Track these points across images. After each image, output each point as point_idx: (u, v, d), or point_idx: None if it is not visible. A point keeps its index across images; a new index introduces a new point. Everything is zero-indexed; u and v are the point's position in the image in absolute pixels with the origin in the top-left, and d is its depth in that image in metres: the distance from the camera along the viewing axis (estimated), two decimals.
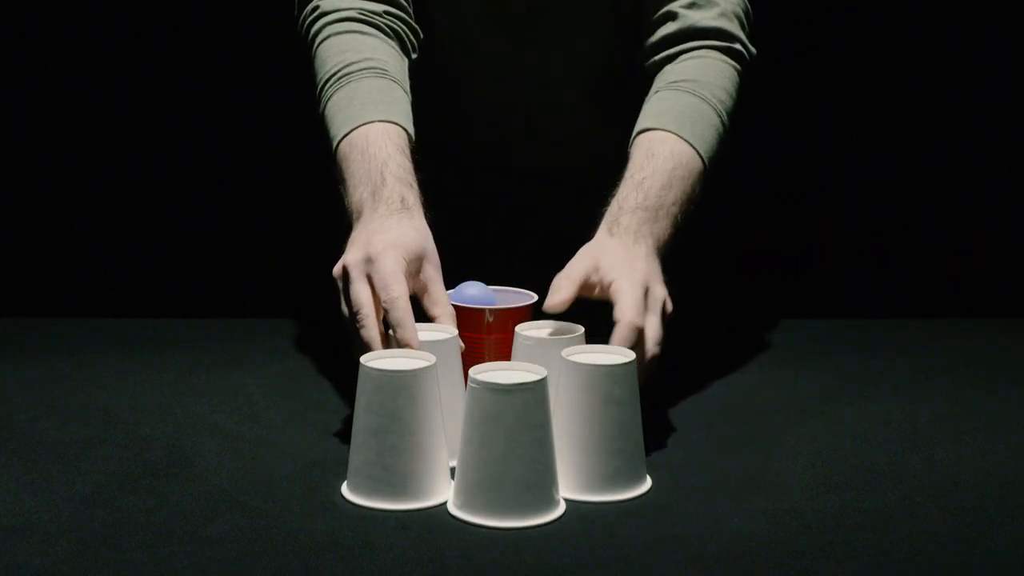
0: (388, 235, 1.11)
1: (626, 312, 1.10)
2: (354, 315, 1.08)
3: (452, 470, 0.99)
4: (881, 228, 2.11)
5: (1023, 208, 2.08)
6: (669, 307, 1.17)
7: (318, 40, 1.32)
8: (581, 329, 1.11)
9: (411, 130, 1.25)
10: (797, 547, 0.91)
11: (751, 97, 1.40)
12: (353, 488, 0.98)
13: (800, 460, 1.08)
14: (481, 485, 0.94)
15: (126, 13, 2.01)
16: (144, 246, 2.09)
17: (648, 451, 1.05)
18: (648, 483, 1.02)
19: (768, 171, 2.11)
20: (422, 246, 1.13)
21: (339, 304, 1.13)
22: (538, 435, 0.94)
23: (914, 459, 1.09)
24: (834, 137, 2.09)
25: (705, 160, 1.29)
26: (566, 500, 0.98)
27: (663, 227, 1.23)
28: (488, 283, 1.20)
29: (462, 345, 1.10)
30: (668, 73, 1.36)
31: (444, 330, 1.09)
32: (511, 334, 1.11)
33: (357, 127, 1.22)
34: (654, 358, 1.12)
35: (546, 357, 1.04)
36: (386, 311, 1.06)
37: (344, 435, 1.02)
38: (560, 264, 1.16)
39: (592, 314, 1.32)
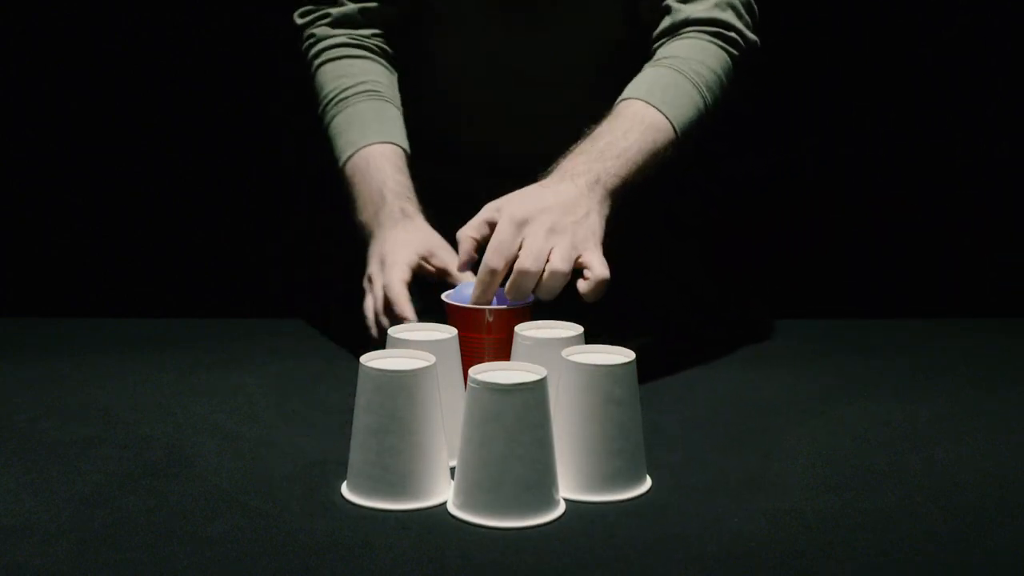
0: (396, 241, 1.30)
1: (486, 251, 1.15)
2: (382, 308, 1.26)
3: (452, 470, 0.99)
4: (881, 228, 2.11)
5: (1023, 208, 2.08)
6: (573, 247, 1.16)
7: (316, 63, 1.48)
8: (581, 329, 1.11)
9: (405, 144, 1.42)
10: (797, 547, 0.91)
11: (752, 95, 1.40)
12: (353, 488, 0.99)
13: (800, 460, 1.08)
14: (481, 485, 0.94)
15: (126, 13, 2.01)
16: (144, 246, 2.09)
17: (648, 451, 1.05)
18: (648, 483, 1.02)
19: (768, 171, 2.11)
20: (426, 241, 1.30)
21: (364, 303, 1.30)
22: (538, 435, 0.94)
23: (914, 459, 1.09)
24: (834, 137, 2.09)
25: (675, 126, 1.30)
26: (566, 500, 0.98)
27: (609, 164, 1.24)
28: None
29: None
30: (655, 55, 1.39)
31: (444, 330, 1.09)
32: (510, 334, 1.11)
33: (357, 151, 1.39)
34: (526, 273, 1.13)
35: (546, 357, 1.04)
36: (385, 294, 1.25)
37: (344, 435, 1.02)
38: None
39: (592, 314, 1.32)
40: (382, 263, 1.29)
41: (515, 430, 0.93)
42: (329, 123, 1.44)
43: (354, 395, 0.98)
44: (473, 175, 1.53)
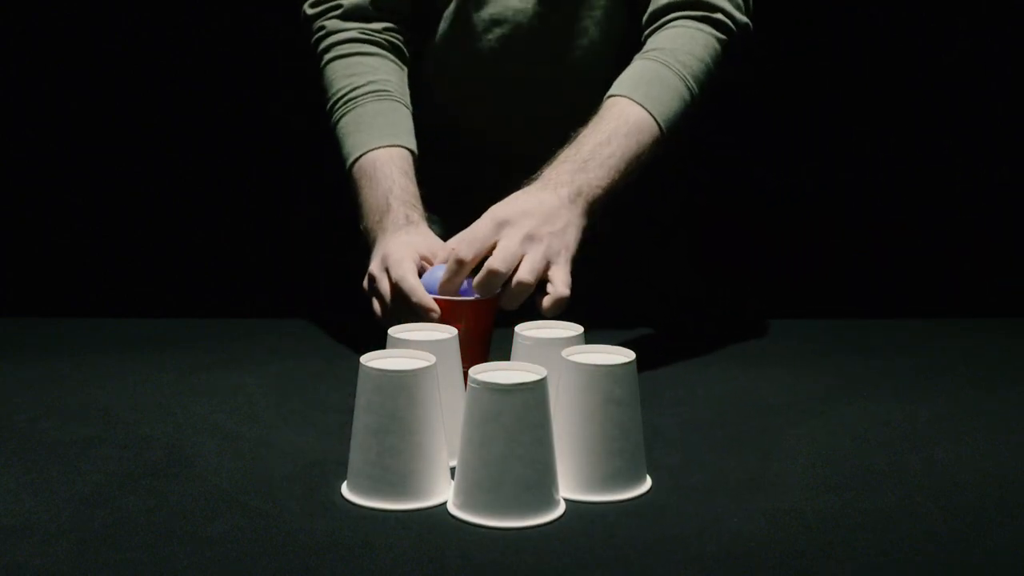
0: (399, 243, 1.28)
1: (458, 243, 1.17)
2: (385, 305, 1.25)
3: (452, 470, 0.99)
4: (881, 228, 2.11)
5: (1023, 208, 2.08)
6: (545, 258, 1.18)
7: (326, 58, 1.47)
8: (581, 329, 1.12)
9: (413, 145, 1.42)
10: (797, 547, 0.91)
11: (753, 95, 1.40)
12: (353, 488, 0.98)
13: (800, 460, 1.08)
14: (481, 485, 0.94)
15: (126, 13, 2.01)
16: (144, 246, 2.09)
17: (648, 451, 1.05)
18: (648, 483, 1.02)
19: (768, 171, 2.11)
20: (429, 244, 1.28)
21: (371, 303, 1.28)
22: (538, 435, 0.94)
23: (914, 459, 1.09)
24: (834, 137, 2.09)
25: (660, 123, 1.32)
26: (566, 500, 0.98)
27: (594, 176, 1.26)
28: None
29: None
30: (643, 46, 1.40)
31: (444, 330, 1.09)
32: (478, 325, 1.14)
33: (364, 153, 1.39)
34: (495, 273, 1.15)
35: (546, 357, 1.04)
36: (398, 287, 1.21)
37: (344, 435, 1.02)
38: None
39: (592, 314, 1.32)
40: (384, 262, 1.27)
41: (515, 430, 0.93)
42: (337, 122, 1.43)
43: (354, 395, 0.98)
44: (477, 168, 1.53)
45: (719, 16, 1.38)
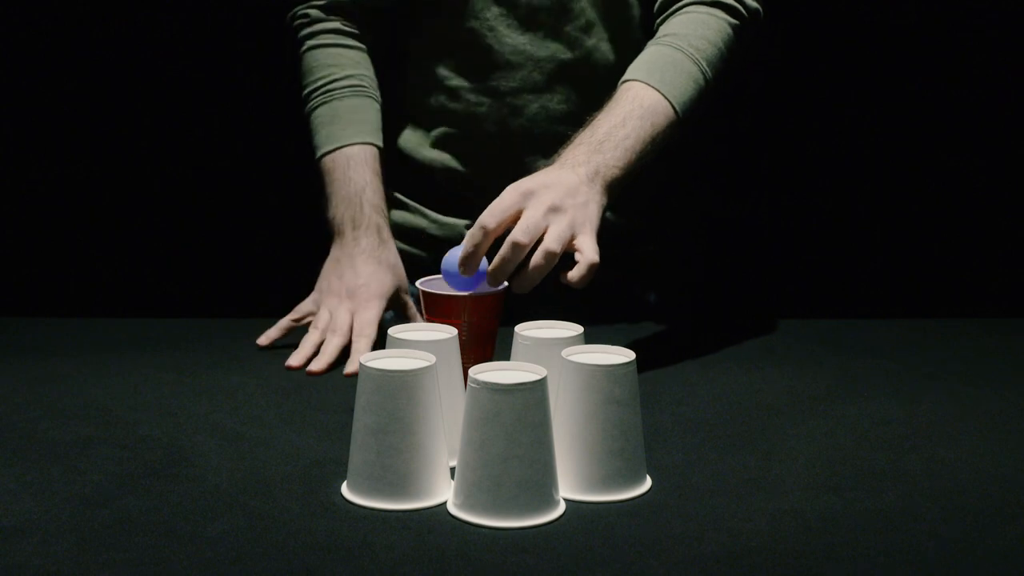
0: (370, 286, 1.39)
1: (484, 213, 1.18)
2: (330, 331, 1.37)
3: (452, 470, 0.99)
4: (881, 228, 2.11)
5: (1023, 208, 2.08)
6: (571, 227, 1.19)
7: (309, 44, 1.52)
8: (581, 329, 1.11)
9: (381, 142, 1.49)
10: (797, 547, 0.91)
11: (754, 95, 1.40)
12: (353, 488, 0.98)
13: (800, 460, 1.08)
14: (481, 485, 0.94)
15: (125, 13, 2.01)
16: (144, 246, 2.09)
17: (648, 451, 1.05)
18: (648, 483, 1.02)
19: (768, 171, 2.11)
20: (396, 284, 1.42)
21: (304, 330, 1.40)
22: (538, 435, 0.94)
23: (914, 459, 1.09)
24: (834, 137, 2.09)
25: (676, 106, 1.33)
26: (566, 500, 0.98)
27: (611, 156, 1.27)
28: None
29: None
30: (656, 33, 1.41)
31: (444, 330, 1.09)
32: (485, 321, 1.15)
33: (339, 148, 1.45)
34: (516, 245, 1.16)
35: (546, 357, 1.04)
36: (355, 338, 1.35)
37: (344, 435, 1.02)
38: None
39: (592, 314, 1.32)
40: (352, 301, 1.38)
41: (515, 430, 0.93)
42: (314, 109, 1.49)
43: (354, 395, 0.98)
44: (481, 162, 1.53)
45: (731, 1, 1.40)
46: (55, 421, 1.17)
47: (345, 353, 1.35)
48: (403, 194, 1.57)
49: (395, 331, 1.08)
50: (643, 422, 1.02)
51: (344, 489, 1.00)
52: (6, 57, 2.00)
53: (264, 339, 1.41)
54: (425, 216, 1.55)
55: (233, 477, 1.03)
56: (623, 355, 1.02)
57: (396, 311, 1.45)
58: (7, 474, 1.03)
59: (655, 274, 1.60)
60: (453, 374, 1.06)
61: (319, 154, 1.47)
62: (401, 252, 1.47)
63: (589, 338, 1.10)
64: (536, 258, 1.17)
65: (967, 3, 2.01)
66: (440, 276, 1.21)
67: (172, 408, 1.21)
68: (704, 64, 1.36)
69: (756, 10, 1.43)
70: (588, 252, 1.18)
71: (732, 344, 1.46)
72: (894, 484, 1.03)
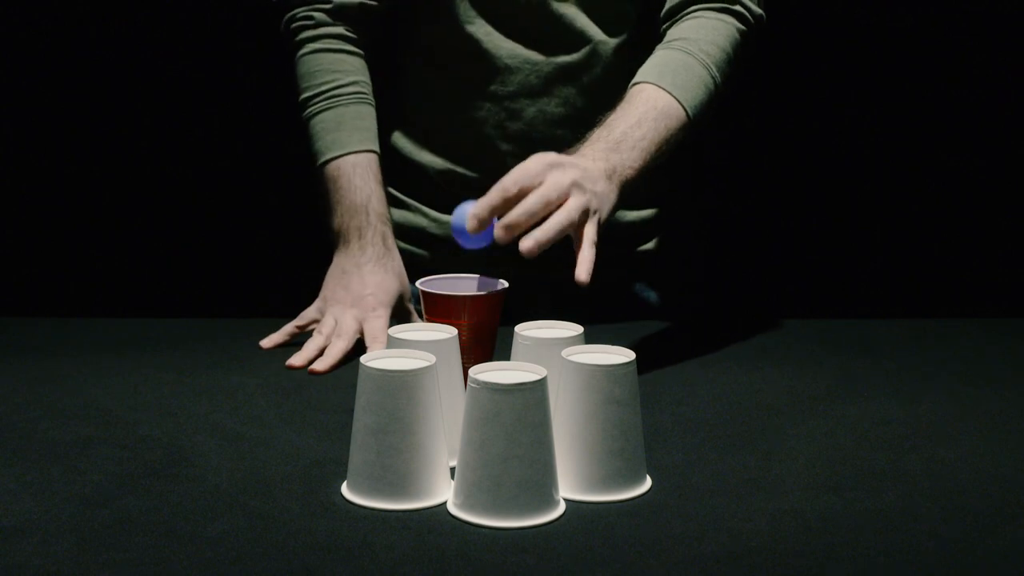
0: (377, 295, 1.39)
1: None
2: (335, 335, 1.36)
3: (452, 470, 0.99)
4: (881, 228, 2.11)
5: (1023, 208, 2.08)
6: (587, 209, 1.18)
7: (311, 46, 1.49)
8: (581, 329, 1.11)
9: (379, 149, 1.47)
10: (797, 547, 0.91)
11: (755, 95, 1.40)
12: (353, 488, 0.98)
13: (800, 460, 1.08)
14: (481, 485, 0.94)
15: (125, 13, 2.01)
16: (144, 246, 2.09)
17: (648, 451, 1.05)
18: (648, 483, 1.02)
19: (768, 171, 2.11)
20: (400, 291, 1.42)
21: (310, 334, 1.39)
22: (538, 435, 0.94)
23: (914, 459, 1.09)
24: (835, 137, 2.09)
25: (687, 108, 1.34)
26: (566, 500, 0.98)
27: (625, 156, 1.27)
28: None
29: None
30: (665, 37, 1.42)
31: (444, 330, 1.09)
32: (484, 321, 1.14)
33: (343, 155, 1.44)
34: (549, 203, 1.15)
35: (546, 357, 1.04)
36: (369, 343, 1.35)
37: (344, 435, 1.02)
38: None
39: (592, 314, 1.32)
40: (360, 309, 1.38)
41: (515, 430, 0.93)
42: (317, 114, 1.47)
43: (354, 395, 0.98)
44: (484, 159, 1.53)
45: (738, 7, 1.42)
46: (55, 421, 1.17)
47: (348, 357, 1.34)
48: (403, 193, 1.57)
49: (395, 331, 1.08)
50: (643, 422, 1.02)
51: (344, 489, 1.00)
52: (6, 57, 2.00)
53: (267, 342, 1.41)
54: (425, 215, 1.55)
55: (233, 477, 1.03)
56: (623, 355, 1.02)
57: (400, 319, 1.44)
58: (7, 474, 1.03)
59: (656, 273, 1.60)
60: (453, 374, 1.06)
61: (322, 160, 1.45)
62: (401, 251, 1.46)
63: (589, 338, 1.10)
64: (559, 214, 1.16)
65: (967, 3, 2.01)
66: (440, 277, 1.21)
67: (172, 408, 1.21)
68: (714, 68, 1.37)
69: (760, 15, 1.44)
70: (590, 237, 1.19)
71: (732, 344, 1.46)
72: (894, 484, 1.03)
